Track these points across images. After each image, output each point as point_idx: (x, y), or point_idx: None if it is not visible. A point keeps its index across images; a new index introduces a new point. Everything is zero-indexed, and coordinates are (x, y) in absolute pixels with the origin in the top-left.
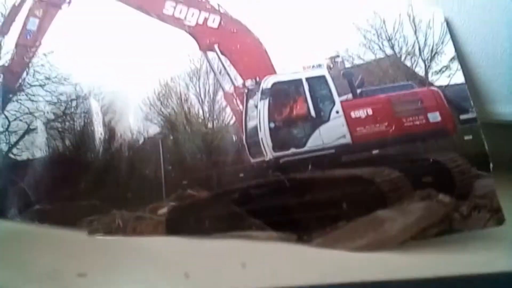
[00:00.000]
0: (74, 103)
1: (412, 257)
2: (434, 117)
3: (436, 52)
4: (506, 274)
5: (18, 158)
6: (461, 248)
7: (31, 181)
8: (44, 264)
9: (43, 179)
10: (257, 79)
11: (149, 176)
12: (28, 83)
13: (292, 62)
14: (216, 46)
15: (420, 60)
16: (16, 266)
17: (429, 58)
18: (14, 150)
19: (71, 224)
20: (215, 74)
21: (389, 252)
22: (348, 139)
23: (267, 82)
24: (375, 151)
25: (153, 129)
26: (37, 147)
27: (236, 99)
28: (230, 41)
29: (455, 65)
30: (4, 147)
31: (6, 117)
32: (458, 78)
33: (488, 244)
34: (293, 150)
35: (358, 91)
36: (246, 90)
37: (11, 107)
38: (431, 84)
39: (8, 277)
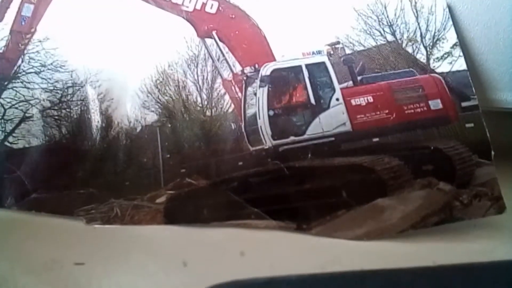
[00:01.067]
0: (70, 91)
1: (412, 245)
2: (436, 104)
3: (438, 39)
4: (507, 262)
5: (14, 146)
6: (461, 236)
7: (28, 170)
8: (42, 254)
9: (39, 168)
10: (256, 66)
11: (147, 165)
12: (24, 70)
13: (292, 49)
14: (214, 32)
15: (421, 47)
16: (13, 255)
17: (431, 44)
18: (10, 138)
19: (69, 213)
20: (213, 61)
21: (389, 241)
22: (348, 127)
23: (266, 69)
24: (375, 139)
25: (151, 117)
26: (33, 135)
27: (234, 87)
28: (229, 27)
29: (457, 51)
30: (0, 135)
31: (2, 105)
32: (460, 65)
33: (489, 232)
34: (292, 138)
35: (359, 78)
36: (245, 77)
37: (7, 94)
38: (433, 71)
39: (6, 267)
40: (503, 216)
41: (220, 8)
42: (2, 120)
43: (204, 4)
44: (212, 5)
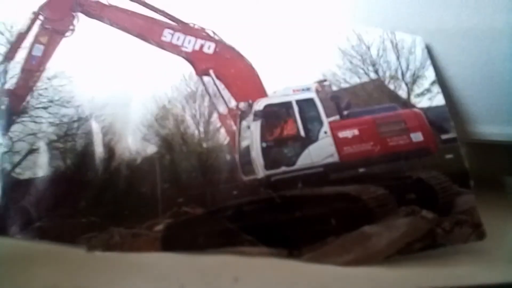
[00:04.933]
0: (75, 125)
1: (397, 271)
2: (417, 137)
3: (417, 76)
4: (487, 286)
5: (21, 177)
6: (444, 262)
7: (33, 199)
8: (44, 280)
9: (44, 198)
10: (250, 101)
11: (146, 194)
12: (32, 106)
13: (283, 86)
14: (211, 71)
15: (403, 84)
16: (17, 281)
17: (411, 81)
18: (17, 170)
19: (71, 240)
20: (210, 97)
21: (375, 266)
22: (336, 158)
23: (259, 104)
24: (361, 169)
25: (151, 149)
26: (39, 166)
27: (230, 120)
28: (225, 66)
29: (436, 88)
30: (8, 167)
31: (10, 138)
32: (439, 100)
33: (471, 258)
34: (283, 168)
35: (345, 112)
36: (239, 112)
37: (15, 128)
38: (414, 106)
39: None
40: (483, 242)
41: (217, 49)
42: (10, 152)
43: (202, 46)
44: (209, 46)
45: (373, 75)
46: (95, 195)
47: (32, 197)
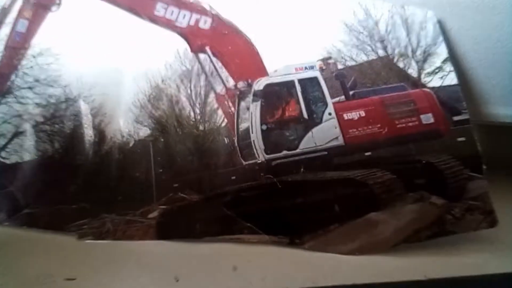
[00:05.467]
0: (63, 106)
1: (404, 259)
2: (427, 118)
3: (429, 54)
4: (498, 276)
5: (7, 161)
6: (454, 250)
7: (20, 185)
8: (34, 269)
9: (32, 183)
10: (249, 80)
11: (140, 179)
12: (17, 85)
13: (284, 64)
14: (207, 48)
15: (413, 62)
16: (5, 270)
17: (422, 59)
18: (3, 153)
19: (61, 228)
20: (206, 76)
21: (381, 255)
22: (340, 141)
23: (259, 84)
24: (367, 153)
25: (144, 132)
26: (26, 150)
27: (227, 101)
28: (222, 43)
29: (448, 66)
30: None
31: None
32: (451, 79)
33: (481, 246)
34: (285, 152)
35: (351, 92)
36: (238, 92)
37: (0, 109)
38: (424, 86)
39: None
40: (495, 230)
41: (214, 24)
42: None
43: (197, 20)
44: (205, 21)
45: (381, 52)
46: (85, 180)
47: (19, 182)
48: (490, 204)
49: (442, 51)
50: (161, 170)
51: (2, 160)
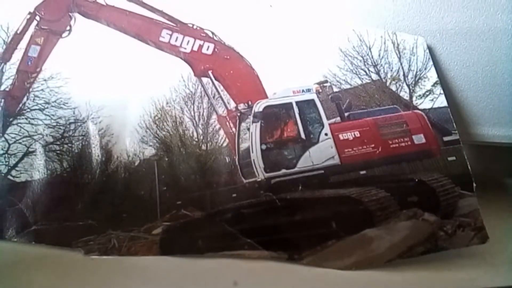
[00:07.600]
0: (72, 126)
1: (399, 274)
2: (419, 139)
3: (419, 77)
4: None
5: (17, 179)
6: (446, 265)
7: (29, 202)
8: (41, 284)
9: (41, 200)
10: (249, 103)
11: (144, 197)
12: (28, 107)
13: (283, 87)
14: (210, 72)
15: (404, 85)
16: (13, 285)
17: (413, 83)
18: (13, 172)
19: (68, 244)
20: (209, 98)
21: (377, 270)
22: (336, 160)
23: (259, 106)
24: (362, 172)
25: (149, 151)
26: (35, 169)
27: (229, 122)
28: (224, 67)
29: (438, 89)
30: (4, 169)
31: (6, 140)
32: (441, 101)
33: (473, 261)
34: (284, 171)
35: (346, 114)
36: (238, 114)
37: (11, 130)
38: (416, 108)
39: None
40: (486, 246)
41: (216, 49)
42: (6, 155)
43: (200, 46)
44: (208, 46)
45: (374, 76)
46: (92, 198)
47: (29, 200)
48: (480, 220)
49: (432, 75)
50: (165, 188)
51: (12, 178)
